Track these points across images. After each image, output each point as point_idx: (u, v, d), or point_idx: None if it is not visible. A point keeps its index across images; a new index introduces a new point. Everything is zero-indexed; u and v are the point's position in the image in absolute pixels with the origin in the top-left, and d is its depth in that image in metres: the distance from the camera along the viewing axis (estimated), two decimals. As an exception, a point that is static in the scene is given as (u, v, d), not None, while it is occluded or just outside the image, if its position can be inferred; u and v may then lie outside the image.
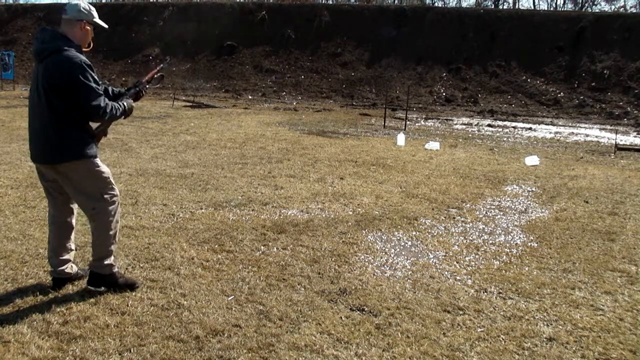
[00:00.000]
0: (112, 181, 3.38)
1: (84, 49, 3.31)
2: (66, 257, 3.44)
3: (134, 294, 3.37)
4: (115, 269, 3.43)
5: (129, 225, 4.73)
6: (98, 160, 3.32)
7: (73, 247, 3.51)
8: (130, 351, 2.75)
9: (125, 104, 3.41)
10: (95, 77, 3.20)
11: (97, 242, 3.36)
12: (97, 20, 3.36)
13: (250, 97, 22.04)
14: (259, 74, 24.88)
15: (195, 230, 4.70)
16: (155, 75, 3.84)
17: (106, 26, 3.42)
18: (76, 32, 3.27)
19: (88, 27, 3.32)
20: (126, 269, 3.76)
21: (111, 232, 3.35)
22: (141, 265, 3.85)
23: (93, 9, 3.35)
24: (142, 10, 28.90)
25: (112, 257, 3.41)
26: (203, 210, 5.34)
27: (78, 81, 3.10)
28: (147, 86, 3.72)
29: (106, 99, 3.25)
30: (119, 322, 3.01)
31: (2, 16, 30.52)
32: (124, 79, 24.74)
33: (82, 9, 3.26)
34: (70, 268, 3.47)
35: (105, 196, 3.31)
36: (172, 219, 5.02)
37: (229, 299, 3.39)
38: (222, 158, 8.25)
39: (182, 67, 25.57)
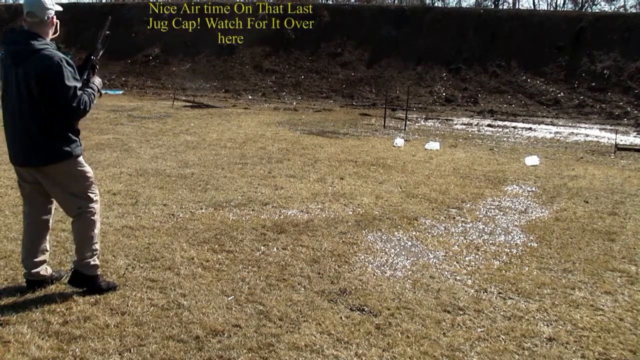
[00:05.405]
0: (94, 181, 3.41)
1: (52, 38, 3.23)
2: (41, 258, 3.38)
3: (134, 293, 3.38)
4: (99, 271, 3.40)
5: (129, 225, 4.73)
6: (82, 160, 3.32)
7: (48, 247, 3.46)
8: (130, 351, 2.75)
9: (95, 86, 3.31)
10: (75, 74, 3.14)
11: (81, 241, 3.34)
12: (58, 8, 3.25)
13: (250, 97, 22.02)
14: (259, 74, 24.86)
15: (195, 230, 4.70)
16: (100, 41, 3.53)
17: (61, 8, 3.29)
18: (48, 29, 3.20)
19: (55, 20, 3.25)
20: (126, 269, 3.76)
21: (95, 231, 3.36)
22: (141, 265, 3.85)
23: None
24: (143, 11, 28.87)
25: (97, 258, 3.38)
26: (203, 210, 5.34)
27: (61, 82, 3.04)
28: (100, 53, 3.50)
29: (83, 95, 3.14)
30: (119, 322, 3.02)
31: (2, 16, 30.50)
32: (124, 79, 24.73)
33: (48, 7, 3.15)
34: (45, 270, 3.41)
35: (91, 195, 3.33)
36: (172, 219, 5.03)
37: (229, 299, 3.39)
38: (222, 158, 8.24)
39: (182, 67, 25.56)
